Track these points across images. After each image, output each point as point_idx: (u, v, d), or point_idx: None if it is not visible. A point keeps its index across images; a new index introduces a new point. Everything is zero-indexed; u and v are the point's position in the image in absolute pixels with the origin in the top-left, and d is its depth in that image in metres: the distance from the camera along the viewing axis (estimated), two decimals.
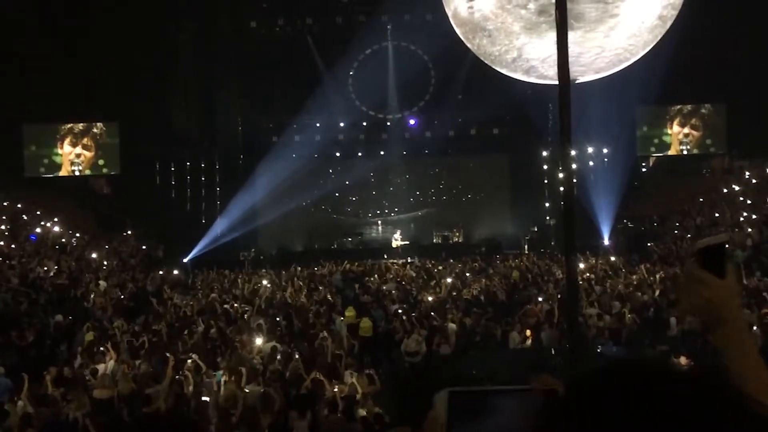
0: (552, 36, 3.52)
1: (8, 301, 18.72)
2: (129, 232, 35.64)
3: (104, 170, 38.65)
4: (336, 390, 11.74)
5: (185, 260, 34.17)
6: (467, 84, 36.67)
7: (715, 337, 1.66)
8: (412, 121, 39.76)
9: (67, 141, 37.86)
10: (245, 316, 18.69)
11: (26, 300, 19.68)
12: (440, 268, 28.80)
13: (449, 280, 24.23)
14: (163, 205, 37.28)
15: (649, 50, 3.85)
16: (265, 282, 25.54)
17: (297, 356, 13.89)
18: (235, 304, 20.54)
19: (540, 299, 19.10)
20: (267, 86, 37.69)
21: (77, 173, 38.35)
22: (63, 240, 30.74)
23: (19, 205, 33.32)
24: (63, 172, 37.99)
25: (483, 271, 26.97)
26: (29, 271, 22.76)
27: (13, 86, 31.94)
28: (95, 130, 38.12)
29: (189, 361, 13.62)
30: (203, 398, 11.67)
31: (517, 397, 1.58)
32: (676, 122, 38.44)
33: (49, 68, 32.14)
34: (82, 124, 37.91)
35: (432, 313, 17.75)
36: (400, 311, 18.40)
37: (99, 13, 33.47)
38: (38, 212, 33.27)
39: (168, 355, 13.87)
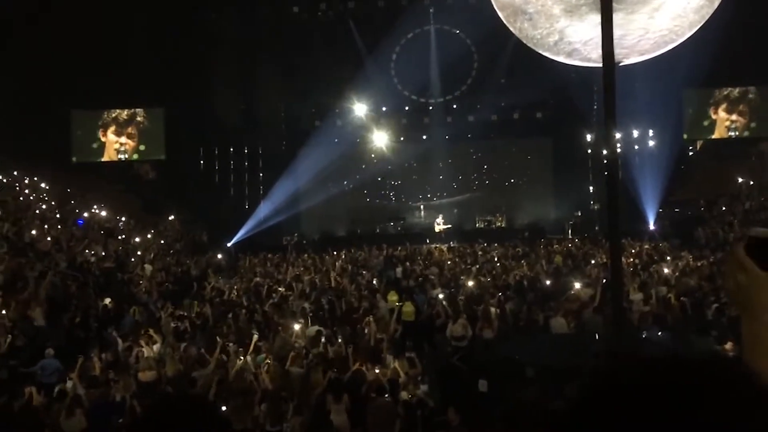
0: (593, 18, 3.49)
1: (57, 284, 19.07)
2: (173, 217, 36.08)
3: (149, 156, 39.17)
4: (378, 373, 11.80)
5: (229, 244, 34.53)
6: (510, 68, 36.39)
7: (741, 324, 1.67)
8: None
9: (112, 128, 38.48)
10: (289, 299, 18.82)
11: (74, 283, 20.03)
12: (481, 253, 28.70)
13: (494, 262, 24.21)
14: (206, 190, 37.65)
15: (697, 31, 3.78)
16: (308, 266, 25.70)
17: (339, 340, 13.98)
18: (279, 288, 20.69)
19: (582, 284, 18.96)
20: (309, 71, 37.78)
21: (123, 159, 38.91)
22: (109, 224, 31.20)
23: (68, 190, 33.89)
24: (109, 158, 38.58)
25: (526, 256, 26.82)
26: (77, 254, 23.14)
27: (62, 73, 32.46)
28: (139, 118, 38.69)
29: (232, 344, 13.79)
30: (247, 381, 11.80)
31: None
32: (722, 107, 37.80)
33: (96, 56, 32.55)
34: (126, 111, 38.46)
35: (477, 297, 17.72)
36: (442, 296, 18.39)
37: (142, 1, 33.85)
38: (86, 197, 33.81)
39: (214, 339, 14.06)
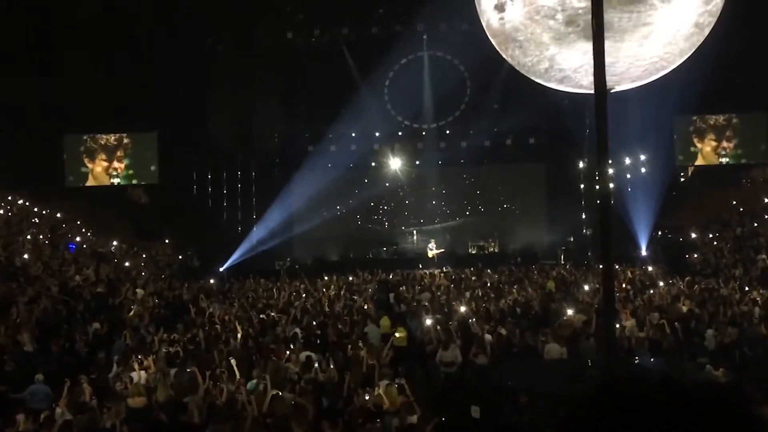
0: (581, 46, 3.50)
1: (48, 309, 18.97)
2: (166, 241, 36.03)
3: (142, 180, 39.14)
4: (369, 399, 11.73)
5: (221, 269, 34.43)
6: (503, 94, 36.62)
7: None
8: None
9: (105, 152, 38.44)
10: (280, 324, 18.73)
11: (65, 307, 19.92)
12: (474, 278, 28.66)
13: (487, 287, 24.20)
14: (199, 214, 37.60)
15: (688, 58, 3.80)
16: (300, 291, 25.63)
17: (332, 366, 13.89)
18: (271, 313, 20.61)
19: (575, 309, 18.94)
20: (303, 96, 37.98)
21: (116, 183, 38.87)
22: (101, 249, 31.10)
23: (59, 215, 33.80)
24: (102, 182, 38.53)
25: (519, 281, 26.79)
26: (68, 279, 23.04)
27: (55, 97, 32.47)
28: (129, 141, 38.66)
29: (223, 370, 13.70)
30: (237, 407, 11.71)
31: None
32: (712, 133, 38.05)
33: (90, 80, 32.62)
34: (117, 135, 38.47)
35: (468, 323, 17.66)
36: (434, 321, 18.32)
37: (137, 24, 33.96)
38: (78, 221, 33.73)
39: (204, 364, 13.97)
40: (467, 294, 23.62)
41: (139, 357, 15.02)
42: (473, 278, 28.58)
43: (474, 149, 38.64)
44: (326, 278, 29.78)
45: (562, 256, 36.92)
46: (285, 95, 38.59)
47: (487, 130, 38.53)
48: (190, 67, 35.07)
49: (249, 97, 38.47)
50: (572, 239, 38.37)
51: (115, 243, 32.85)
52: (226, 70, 37.81)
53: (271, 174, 39.48)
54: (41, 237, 29.27)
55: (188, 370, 13.66)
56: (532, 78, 3.97)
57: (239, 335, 17.51)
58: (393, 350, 16.51)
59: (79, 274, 24.24)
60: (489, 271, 30.91)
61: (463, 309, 19.83)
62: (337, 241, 39.16)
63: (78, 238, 31.20)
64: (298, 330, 17.71)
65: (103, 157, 38.52)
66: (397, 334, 17.58)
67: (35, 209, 33.27)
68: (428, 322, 18.18)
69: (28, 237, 28.05)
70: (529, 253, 36.93)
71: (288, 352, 15.06)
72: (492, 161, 39.69)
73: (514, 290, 24.03)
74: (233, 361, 13.89)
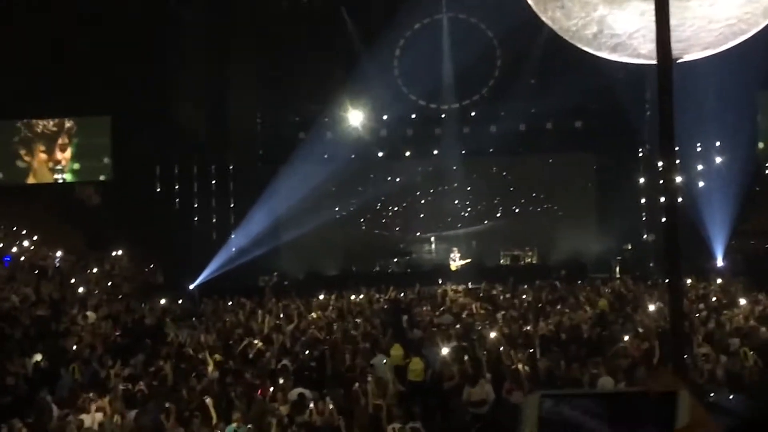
0: (639, 5, 3.49)
1: None
2: (122, 252, 36.05)
3: (92, 176, 39.16)
4: None
5: (192, 286, 34.46)
6: (542, 66, 36.55)
7: None
8: None
9: (44, 141, 38.44)
10: (266, 355, 18.76)
11: None
12: (507, 296, 28.64)
13: (523, 307, 24.19)
14: (164, 218, 37.61)
15: None
16: (290, 313, 25.64)
17: (331, 406, 13.93)
18: (254, 341, 20.62)
19: (634, 335, 18.90)
20: (291, 71, 37.92)
21: (60, 180, 38.91)
22: (43, 262, 31.16)
23: None
24: (41, 179, 38.56)
25: (563, 300, 26.75)
26: (2, 300, 23.11)
27: None
28: (74, 126, 38.62)
29: (195, 412, 13.74)
30: None
31: (624, 401, 1.67)
32: None
33: (23, 50, 32.66)
34: (59, 120, 38.44)
35: (501, 352, 17.65)
36: (458, 350, 18.32)
37: None
38: (13, 228, 33.77)
39: (170, 404, 14.00)
40: (499, 316, 23.60)
41: (91, 396, 15.07)
42: (506, 296, 28.54)
43: (506, 135, 38.52)
44: (322, 297, 29.75)
45: (617, 269, 36.80)
46: (269, 70, 38.60)
47: (522, 112, 38.47)
48: (150, 35, 35.09)
49: (224, 71, 38.47)
50: (630, 247, 38.26)
51: (59, 254, 32.89)
52: (195, 37, 37.80)
53: (252, 168, 39.48)
54: None
55: (151, 412, 13.71)
56: (578, 46, 3.97)
57: (212, 368, 17.55)
58: (406, 386, 16.54)
59: (15, 293, 24.31)
60: (526, 287, 30.85)
61: (494, 334, 19.82)
62: (336, 251, 39.15)
63: (13, 249, 31.26)
64: (287, 361, 17.74)
65: (42, 147, 38.54)
66: (411, 366, 17.59)
67: None
68: (449, 351, 18.18)
69: None
70: (576, 265, 36.79)
71: (275, 389, 15.09)
72: (528, 150, 39.59)
73: (558, 311, 23.99)
74: (208, 401, 13.93)
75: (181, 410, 13.76)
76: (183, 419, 13.35)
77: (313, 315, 25.27)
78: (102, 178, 39.09)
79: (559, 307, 25.09)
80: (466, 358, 17.27)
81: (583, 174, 40.19)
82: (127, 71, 34.08)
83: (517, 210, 40.87)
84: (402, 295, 29.85)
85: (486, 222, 40.73)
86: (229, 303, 29.47)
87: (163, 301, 29.68)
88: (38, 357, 18.87)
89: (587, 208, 40.00)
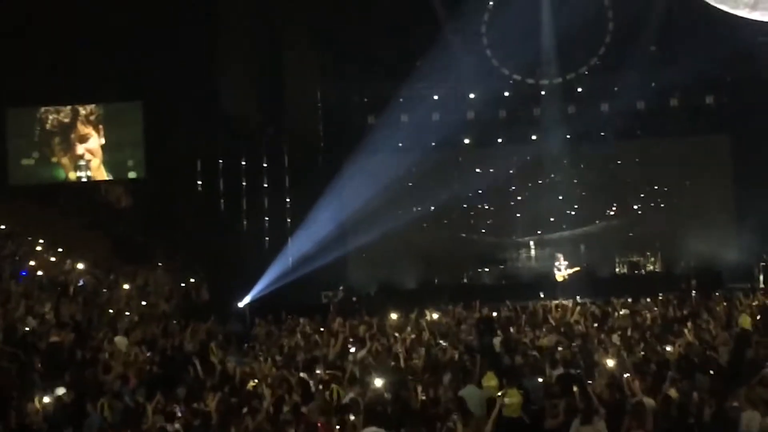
0: None
1: None
2: (159, 264, 36.38)
3: (122, 174, 39.53)
4: None
5: (241, 305, 34.67)
6: (664, 30, 36.17)
7: None
8: None
9: (63, 133, 38.82)
10: (331, 386, 18.75)
11: (13, 365, 20.23)
12: (626, 312, 28.35)
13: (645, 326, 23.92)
14: (207, 223, 37.91)
15: None
16: (360, 336, 25.66)
17: None
18: (317, 371, 20.65)
19: None
20: (358, 44, 37.97)
21: (84, 179, 39.35)
22: (64, 277, 31.55)
23: (2, 227, 34.38)
24: (63, 177, 39.02)
25: (694, 317, 26.39)
26: (17, 322, 23.41)
27: None
28: (101, 114, 38.95)
29: None
30: None
31: None
32: None
33: (42, 30, 33.16)
34: (85, 108, 38.83)
35: (619, 382, 17.44)
36: (566, 379, 18.16)
37: None
38: (29, 237, 34.24)
39: None
40: (615, 337, 23.36)
41: None
42: (624, 312, 28.26)
43: (620, 115, 38.26)
44: (398, 316, 29.71)
45: (762, 277, 36.25)
46: (330, 43, 38.70)
47: (639, 87, 38.13)
48: (188, 5, 35.40)
49: (276, 46, 38.65)
50: None
51: (82, 267, 33.27)
52: (242, 7, 38.04)
53: (312, 160, 39.64)
54: None
55: None
56: (710, 2, 3.84)
57: (267, 402, 17.60)
58: (501, 424, 16.41)
59: (32, 314, 24.61)
60: (648, 300, 30.52)
61: (610, 361, 19.60)
62: (414, 260, 39.14)
63: (31, 262, 31.70)
64: (357, 395, 17.71)
65: (60, 140, 38.93)
66: (507, 399, 17.44)
67: None
68: (555, 380, 18.02)
69: None
70: (710, 273, 36.33)
71: (343, 428, 15.06)
72: (648, 133, 39.28)
73: (688, 330, 23.66)
74: None
75: None
76: None
77: (388, 338, 25.23)
78: (133, 175, 39.42)
79: (689, 324, 24.75)
80: (575, 389, 17.08)
81: (717, 161, 39.66)
82: (162, 48, 34.38)
83: (635, 206, 40.50)
84: (495, 312, 29.70)
85: (597, 222, 40.45)
86: (287, 324, 29.59)
87: (207, 323, 29.91)
88: (60, 391, 19.04)
89: (722, 202, 39.46)
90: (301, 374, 20.40)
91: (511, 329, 25.82)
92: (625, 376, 17.92)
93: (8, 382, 19.24)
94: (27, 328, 23.24)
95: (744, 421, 14.97)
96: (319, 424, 15.44)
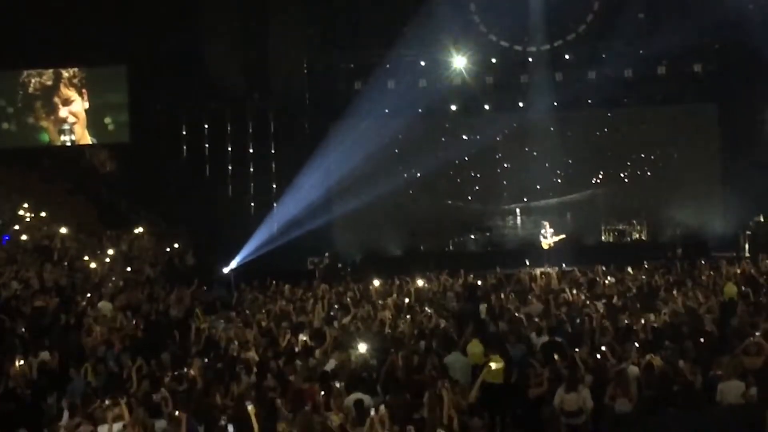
0: None
1: None
2: (143, 229, 36.32)
3: (106, 138, 39.41)
4: None
5: (226, 270, 34.67)
6: None
7: None
8: None
9: (45, 96, 38.67)
10: (316, 353, 18.79)
11: None
12: (611, 280, 28.43)
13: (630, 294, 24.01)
14: (193, 188, 37.85)
15: None
16: (344, 302, 25.70)
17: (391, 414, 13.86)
18: (302, 337, 20.68)
19: None
20: (344, 9, 37.86)
21: (68, 143, 39.25)
22: (48, 241, 31.49)
23: None
24: (46, 141, 38.91)
25: (679, 285, 26.48)
26: (1, 287, 23.39)
27: None
28: (84, 78, 38.80)
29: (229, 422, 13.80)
30: None
31: None
32: None
33: None
34: (69, 70, 38.67)
35: (602, 350, 17.50)
36: (550, 347, 18.21)
37: None
38: (11, 200, 34.13)
39: (203, 413, 14.09)
40: (600, 304, 23.43)
41: (107, 402, 15.20)
42: (609, 280, 28.34)
43: (608, 83, 38.20)
44: (382, 283, 29.74)
45: (747, 246, 36.35)
46: (317, 9, 38.55)
47: (627, 54, 38.11)
48: None
49: (263, 12, 38.48)
50: (762, 219, 37.68)
51: (66, 231, 33.20)
52: None
53: (298, 126, 39.55)
54: None
55: (179, 420, 13.80)
56: None
57: (251, 369, 17.62)
58: (485, 390, 16.45)
59: (16, 279, 24.61)
60: (632, 269, 30.62)
61: (594, 327, 19.67)
62: (400, 227, 39.20)
63: (15, 227, 31.63)
64: (341, 361, 17.76)
65: (43, 103, 38.80)
66: (492, 365, 17.49)
67: None
68: (538, 348, 18.07)
69: None
70: (695, 242, 36.47)
71: (327, 395, 15.10)
72: (636, 101, 39.29)
73: (673, 298, 23.74)
74: (250, 408, 13.96)
75: (215, 419, 13.81)
76: (218, 431, 13.42)
77: (373, 304, 25.26)
78: (117, 140, 39.30)
79: (674, 292, 24.83)
80: (557, 356, 17.13)
81: (704, 129, 39.64)
82: (148, 12, 34.22)
83: (622, 175, 40.52)
84: (480, 279, 29.76)
85: (584, 190, 40.45)
86: (272, 290, 29.61)
87: (191, 288, 29.91)
88: (45, 355, 19.04)
89: (708, 170, 39.51)
90: (286, 338, 20.46)
91: (497, 297, 25.87)
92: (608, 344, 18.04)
93: None
94: (11, 293, 23.20)
95: (722, 389, 15.03)
96: (303, 391, 15.48)
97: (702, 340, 18.69)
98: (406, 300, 26.18)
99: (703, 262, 32.18)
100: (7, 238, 30.34)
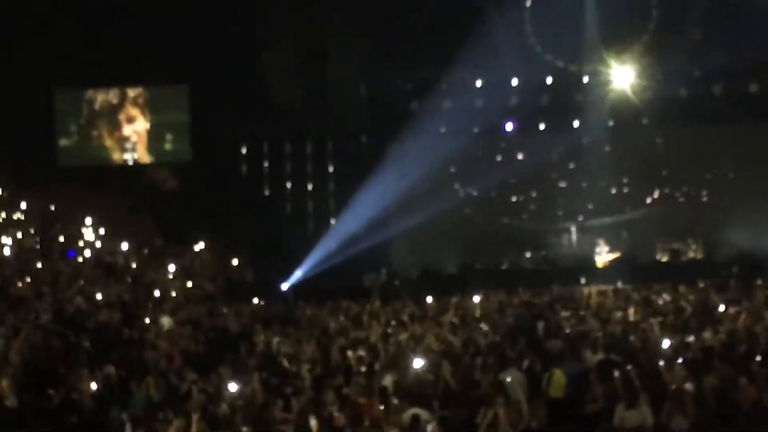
0: None
1: (37, 345, 19.44)
2: (203, 246, 36.50)
3: (169, 157, 39.70)
4: None
5: (285, 286, 34.75)
6: (708, 16, 35.88)
7: None
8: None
9: (108, 114, 38.99)
10: (374, 368, 18.78)
11: (62, 344, 20.36)
12: (667, 298, 28.24)
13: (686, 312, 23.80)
14: (252, 206, 38.00)
15: None
16: (402, 319, 25.69)
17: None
18: (360, 353, 20.68)
19: None
20: (402, 29, 37.90)
21: (131, 162, 39.57)
22: (111, 258, 31.74)
23: (52, 207, 34.59)
24: (108, 160, 39.24)
25: (735, 303, 26.23)
26: (65, 301, 23.57)
27: (42, 38, 33.27)
28: (147, 97, 39.11)
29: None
30: None
31: None
32: None
33: (89, 12, 33.28)
34: (131, 89, 39.01)
35: (659, 368, 17.36)
36: (605, 363, 18.09)
37: None
38: (77, 218, 34.43)
39: (262, 426, 14.12)
40: (655, 322, 23.25)
41: (168, 415, 15.28)
42: (665, 299, 28.14)
43: (663, 102, 37.97)
44: (438, 300, 29.70)
45: None
46: (374, 28, 38.64)
47: (682, 73, 37.82)
48: None
49: (321, 32, 38.63)
50: None
51: (128, 248, 33.44)
52: None
53: (356, 145, 39.62)
54: (26, 239, 30.06)
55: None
56: None
57: (309, 383, 17.66)
58: (549, 403, 16.37)
59: (81, 294, 24.80)
60: (685, 287, 30.39)
61: (647, 347, 19.53)
62: (456, 245, 39.13)
63: (80, 243, 31.88)
64: (397, 376, 17.74)
65: (109, 123, 39.15)
66: (554, 380, 17.41)
67: (16, 199, 34.14)
68: (596, 365, 17.93)
69: (7, 240, 28.86)
70: (752, 261, 36.05)
71: (386, 409, 15.08)
72: (691, 120, 38.86)
73: (730, 317, 23.52)
74: (313, 423, 13.94)
75: None
76: None
77: (430, 321, 25.24)
78: (179, 158, 39.55)
79: (731, 311, 24.60)
80: (615, 374, 17.00)
81: (760, 148, 39.19)
82: (208, 33, 34.45)
83: (677, 194, 40.21)
84: (536, 297, 29.65)
85: (639, 209, 40.17)
86: (329, 306, 29.65)
87: (251, 305, 30.00)
88: (110, 369, 19.15)
89: (765, 190, 39.03)
90: (344, 354, 20.48)
91: (552, 314, 25.79)
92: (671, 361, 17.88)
93: (55, 359, 19.39)
94: (76, 308, 23.40)
95: None
96: (362, 405, 15.47)
97: (760, 358, 18.52)
98: (462, 317, 26.14)
99: (759, 281, 31.91)
100: (72, 254, 30.59)
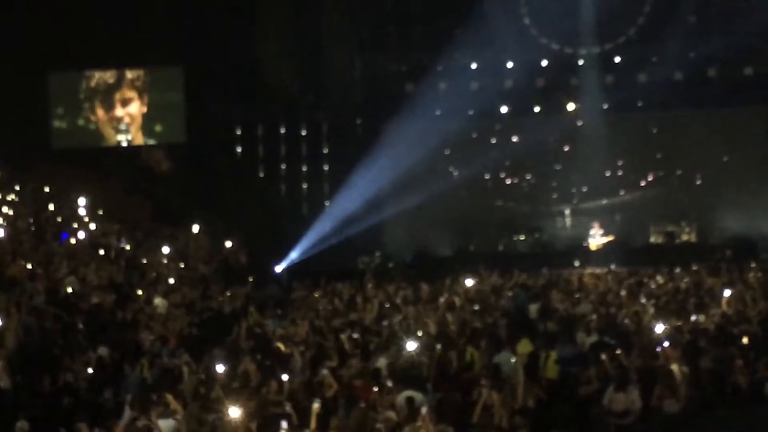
0: None
1: (32, 328, 19.40)
2: (198, 228, 36.48)
3: (163, 138, 39.62)
4: None
5: (279, 269, 34.74)
6: (702, 1, 35.83)
7: None
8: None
9: (106, 97, 38.91)
10: (368, 350, 18.79)
11: (56, 325, 20.36)
12: (660, 280, 28.28)
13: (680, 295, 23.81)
14: (246, 188, 37.97)
15: None
16: (395, 301, 25.70)
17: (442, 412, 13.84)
18: (354, 335, 20.69)
19: None
20: (396, 12, 37.83)
21: (125, 144, 39.51)
22: (105, 239, 31.70)
23: (46, 189, 34.54)
24: (103, 141, 39.17)
25: (729, 286, 26.26)
26: (59, 283, 23.55)
27: (36, 22, 33.20)
28: (142, 79, 39.03)
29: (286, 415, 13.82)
30: None
31: None
32: None
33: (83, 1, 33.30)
34: (128, 72, 38.91)
35: (652, 350, 17.38)
36: (600, 346, 18.11)
37: None
38: (71, 199, 34.39)
39: (257, 408, 14.12)
40: (649, 305, 23.28)
41: (162, 397, 15.27)
42: (658, 282, 28.17)
43: (658, 86, 38.01)
44: (432, 282, 29.71)
45: None
46: (370, 11, 38.57)
47: (678, 57, 37.83)
48: None
49: (316, 14, 38.54)
50: None
51: (122, 229, 33.39)
52: None
53: (350, 127, 39.58)
54: (19, 221, 30.01)
55: (233, 414, 13.84)
56: None
57: (305, 366, 17.66)
58: (544, 384, 16.40)
59: (75, 275, 24.77)
60: (680, 270, 30.43)
61: (642, 329, 19.54)
62: (450, 228, 39.16)
63: (74, 224, 31.84)
64: (392, 358, 17.75)
65: (101, 103, 39.04)
66: (549, 363, 17.45)
67: (10, 181, 34.11)
68: (588, 347, 17.98)
69: (1, 221, 28.81)
70: (746, 243, 36.15)
71: (381, 392, 15.09)
72: (686, 104, 38.90)
73: (723, 300, 23.55)
74: (315, 406, 13.92)
75: (269, 415, 13.84)
76: (272, 426, 13.44)
77: (423, 303, 25.25)
78: (174, 140, 39.49)
79: (725, 295, 24.63)
80: (607, 356, 17.03)
81: (755, 132, 39.28)
82: (204, 15, 34.36)
83: (670, 177, 40.21)
84: (530, 280, 29.67)
85: (633, 192, 40.20)
86: (323, 289, 29.65)
87: (246, 287, 30.00)
88: (103, 351, 19.13)
89: (758, 173, 39.08)
90: (338, 336, 20.48)
91: (546, 297, 25.82)
92: (664, 345, 17.90)
93: (48, 341, 19.38)
94: (69, 290, 23.38)
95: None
96: (357, 388, 15.48)
97: (749, 341, 18.56)
98: (456, 299, 26.15)
99: (752, 264, 31.98)
100: (66, 236, 30.55)
